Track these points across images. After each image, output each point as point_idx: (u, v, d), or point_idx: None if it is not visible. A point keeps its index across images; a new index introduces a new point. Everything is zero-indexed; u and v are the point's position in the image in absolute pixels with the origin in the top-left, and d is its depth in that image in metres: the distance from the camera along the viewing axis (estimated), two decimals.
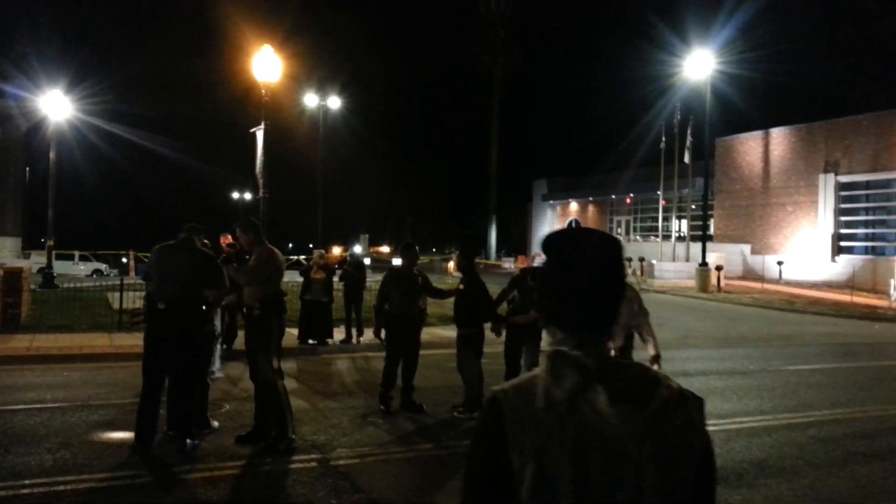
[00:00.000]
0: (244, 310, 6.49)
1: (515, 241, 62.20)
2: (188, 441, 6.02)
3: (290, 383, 9.09)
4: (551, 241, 1.46)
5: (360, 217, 71.85)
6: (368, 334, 12.72)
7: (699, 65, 27.87)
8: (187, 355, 6.18)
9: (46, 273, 20.23)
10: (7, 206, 46.29)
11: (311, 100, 35.26)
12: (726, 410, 8.26)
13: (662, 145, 35.91)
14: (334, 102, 35.98)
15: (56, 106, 20.25)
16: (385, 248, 69.61)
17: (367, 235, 34.60)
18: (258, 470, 5.66)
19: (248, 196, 63.69)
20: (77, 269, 32.97)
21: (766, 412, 8.23)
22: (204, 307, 6.33)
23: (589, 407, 1.28)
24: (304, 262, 21.76)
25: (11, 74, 32.64)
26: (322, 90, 36.07)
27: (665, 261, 33.70)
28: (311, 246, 32.43)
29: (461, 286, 7.72)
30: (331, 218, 54.55)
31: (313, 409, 7.73)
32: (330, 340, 12.30)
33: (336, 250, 34.16)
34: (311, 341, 12.12)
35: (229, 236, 11.91)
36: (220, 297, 6.53)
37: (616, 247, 1.44)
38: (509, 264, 42.24)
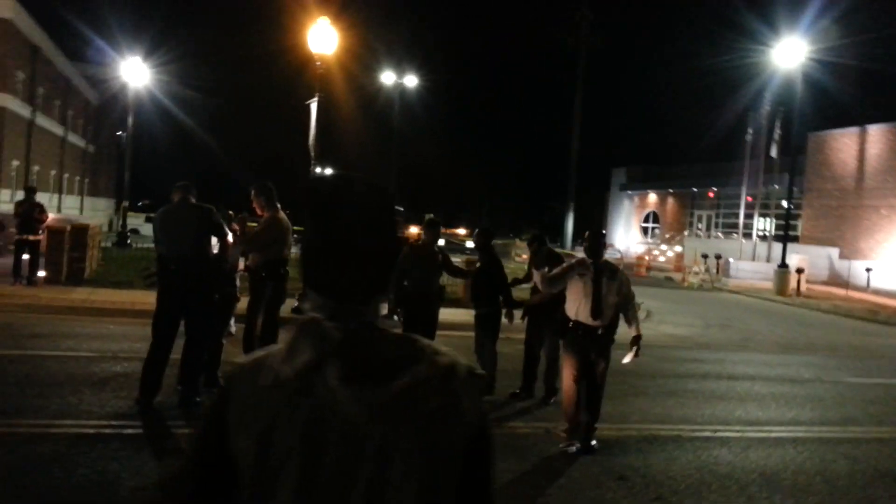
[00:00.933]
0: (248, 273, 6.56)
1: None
2: (195, 398, 6.12)
3: None
4: (307, 190, 1.25)
5: (436, 198, 72.25)
6: None
7: (790, 52, 26.20)
8: (201, 313, 6.28)
9: (120, 232, 21.25)
10: (101, 169, 49.01)
11: (387, 77, 35.43)
12: (758, 417, 7.76)
13: (748, 138, 34.17)
14: (411, 81, 36.05)
15: (135, 72, 21.16)
16: (461, 231, 69.72)
17: (431, 216, 34.46)
18: None
19: (328, 170, 64.95)
20: None
21: (801, 423, 7.68)
22: (217, 262, 6.41)
23: (323, 385, 1.10)
24: None
25: (96, 42, 34.33)
26: (400, 68, 36.24)
27: (744, 260, 32.22)
28: None
29: (478, 264, 7.56)
30: (405, 198, 55.15)
31: None
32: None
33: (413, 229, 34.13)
34: None
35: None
36: (225, 245, 6.48)
37: (383, 199, 1.24)
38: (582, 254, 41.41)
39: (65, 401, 6.08)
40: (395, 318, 7.67)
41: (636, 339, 5.97)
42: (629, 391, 8.43)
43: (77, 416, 5.72)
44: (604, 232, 6.42)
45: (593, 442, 5.92)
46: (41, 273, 13.05)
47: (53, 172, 36.41)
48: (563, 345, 6.13)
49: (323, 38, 12.60)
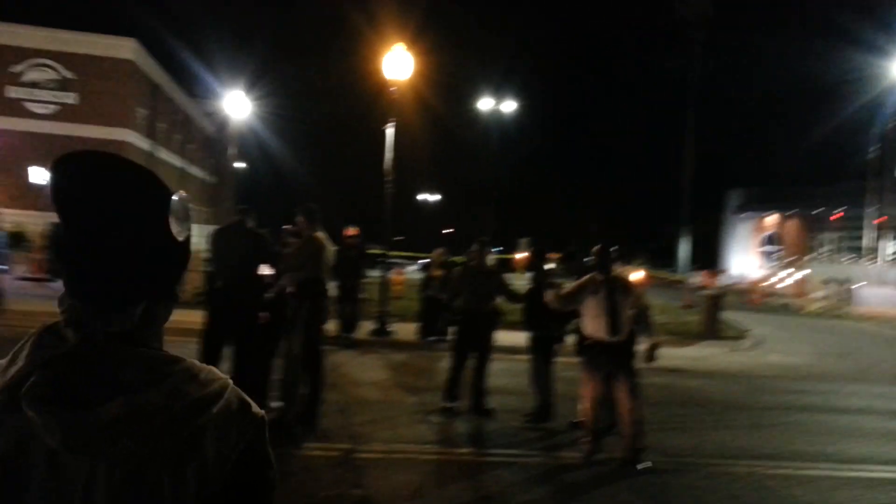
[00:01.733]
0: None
1: (708, 256, 58.34)
2: None
3: (382, 374, 9.09)
4: (52, 169, 1.01)
5: (538, 224, 71.49)
6: None
7: None
8: (246, 333, 6.29)
9: None
10: (221, 198, 51.94)
11: (484, 103, 35.52)
12: (856, 455, 6.88)
13: (871, 156, 31.60)
14: (509, 106, 35.95)
15: (238, 105, 22.34)
16: (555, 254, 68.31)
17: (526, 240, 34.14)
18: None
19: (433, 197, 65.82)
20: None
21: None
22: (263, 286, 6.43)
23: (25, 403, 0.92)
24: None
25: (209, 78, 36.52)
26: (498, 93, 36.26)
27: (872, 285, 29.59)
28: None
29: (531, 286, 7.20)
30: (508, 222, 54.81)
31: (380, 402, 7.58)
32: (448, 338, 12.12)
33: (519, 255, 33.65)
34: (430, 338, 12.01)
35: (351, 229, 12.25)
36: (275, 274, 6.53)
37: (145, 186, 1.01)
38: (698, 279, 39.48)
39: None
40: (447, 334, 7.54)
41: (653, 347, 6.00)
42: (710, 423, 7.77)
43: None
44: (614, 247, 6.18)
45: (640, 466, 5.68)
46: None
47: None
48: (582, 363, 6.03)
49: (398, 64, 12.69)
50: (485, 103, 35.86)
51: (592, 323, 5.80)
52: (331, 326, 11.50)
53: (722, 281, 39.66)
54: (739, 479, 5.85)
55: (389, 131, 12.75)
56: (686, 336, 15.66)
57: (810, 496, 5.52)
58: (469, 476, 5.39)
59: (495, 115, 36.08)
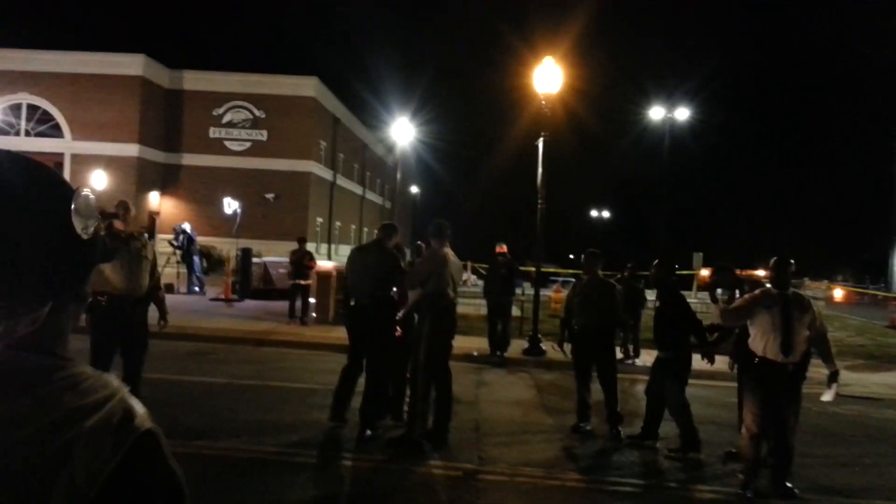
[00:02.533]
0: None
1: None
2: (366, 431, 6.27)
3: (526, 394, 8.92)
4: None
5: (724, 239, 67.14)
6: (646, 357, 11.86)
7: None
8: (377, 349, 6.47)
9: None
10: (399, 219, 54.25)
11: (655, 112, 34.11)
12: None
13: None
14: (682, 114, 34.24)
15: (404, 131, 23.27)
16: (760, 272, 63.80)
17: (700, 254, 31.99)
18: (391, 468, 5.62)
19: (605, 213, 64.22)
20: None
21: None
22: (394, 304, 6.59)
23: None
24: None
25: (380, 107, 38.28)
26: (670, 101, 34.68)
27: None
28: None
29: (657, 302, 6.72)
30: (686, 236, 51.93)
31: (517, 422, 7.41)
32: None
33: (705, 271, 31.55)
34: None
35: (504, 246, 12.23)
36: (403, 294, 6.65)
37: (42, 180, 0.98)
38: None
39: (253, 424, 6.61)
40: (563, 353, 7.28)
41: (833, 376, 5.41)
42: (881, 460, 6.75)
43: (256, 442, 6.16)
44: (792, 260, 5.47)
45: (789, 484, 5.29)
46: (313, 314, 14.66)
47: (353, 227, 41.33)
48: (746, 382, 5.59)
49: (548, 77, 12.54)
50: (656, 112, 34.48)
51: (763, 341, 5.29)
52: (480, 344, 11.62)
53: None
54: None
55: (540, 146, 12.60)
56: (887, 360, 13.85)
57: None
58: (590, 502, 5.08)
59: (669, 124, 34.49)
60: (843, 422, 8.42)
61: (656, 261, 7.06)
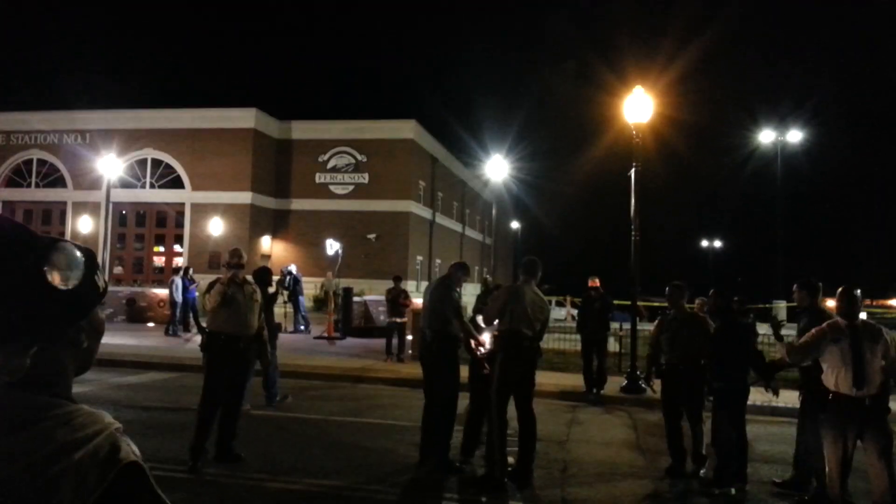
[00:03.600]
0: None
1: None
2: (425, 464, 6.38)
3: (621, 433, 8.64)
4: None
5: (852, 265, 62.72)
6: (755, 395, 11.23)
7: None
8: (436, 384, 6.59)
9: None
10: (499, 258, 54.43)
11: (766, 136, 32.70)
12: None
13: None
14: (795, 136, 32.64)
15: (498, 168, 23.47)
16: (894, 301, 58.97)
17: (820, 284, 29.88)
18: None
19: (717, 244, 61.68)
20: None
21: None
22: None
23: None
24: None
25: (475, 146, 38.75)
26: (780, 125, 33.17)
27: None
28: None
29: (716, 331, 6.43)
30: (802, 267, 48.92)
31: (607, 462, 7.19)
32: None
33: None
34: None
35: (597, 280, 12.01)
36: (458, 329, 6.67)
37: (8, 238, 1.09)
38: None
39: (339, 460, 6.75)
40: (651, 389, 7.04)
41: None
42: None
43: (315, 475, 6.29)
44: (857, 289, 5.20)
45: None
46: (409, 350, 14.88)
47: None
48: (823, 421, 5.30)
49: (638, 107, 12.37)
50: (766, 135, 33.05)
51: (833, 374, 5.11)
52: (576, 381, 11.36)
53: None
54: None
55: (633, 176, 12.38)
56: None
57: None
58: None
59: (782, 149, 32.93)
60: None
61: (712, 290, 6.84)
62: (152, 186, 32.86)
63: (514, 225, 61.08)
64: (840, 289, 5.31)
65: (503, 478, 6.05)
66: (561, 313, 33.01)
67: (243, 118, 32.03)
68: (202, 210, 31.71)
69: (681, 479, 6.52)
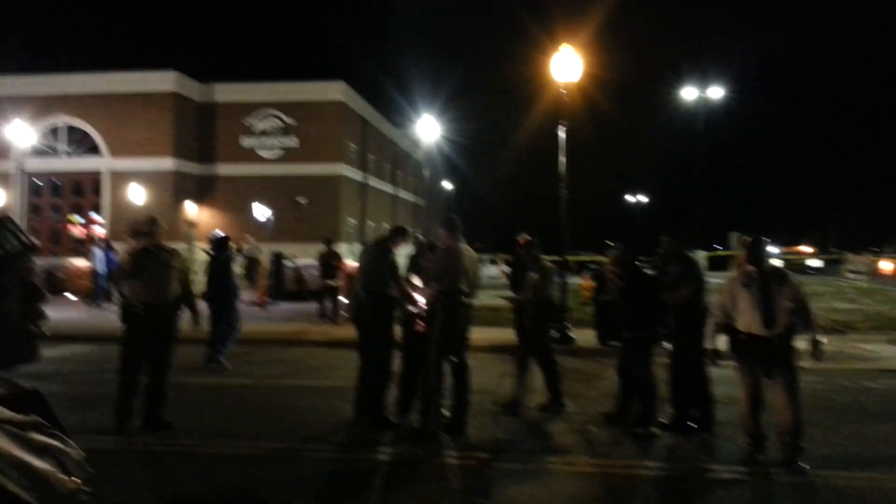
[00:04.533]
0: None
1: None
2: (359, 422, 6.49)
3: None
4: None
5: (768, 213, 65.67)
6: None
7: None
8: (370, 343, 6.64)
9: None
10: (432, 220, 54.50)
11: (688, 92, 33.52)
12: None
13: None
14: (715, 92, 33.55)
15: (429, 128, 23.35)
16: (805, 248, 62.09)
17: (737, 234, 31.29)
18: (407, 459, 5.69)
19: (642, 198, 63.42)
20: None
21: None
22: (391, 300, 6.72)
23: None
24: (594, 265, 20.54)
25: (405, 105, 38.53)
26: (703, 81, 34.02)
27: None
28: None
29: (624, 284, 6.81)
30: (722, 218, 50.89)
31: (537, 410, 7.41)
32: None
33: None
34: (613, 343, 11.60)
35: (526, 237, 12.20)
36: (395, 290, 6.70)
37: None
38: None
39: (275, 421, 6.75)
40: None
41: (815, 343, 5.46)
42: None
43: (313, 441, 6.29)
44: (764, 237, 5.69)
45: (803, 464, 5.32)
46: (343, 313, 14.84)
47: (387, 226, 41.58)
48: (736, 360, 5.66)
49: (567, 65, 12.46)
50: (688, 92, 33.85)
51: (745, 317, 5.48)
52: (508, 335, 11.57)
53: None
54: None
55: (561, 135, 12.54)
56: None
57: None
58: (605, 488, 5.07)
59: (704, 105, 33.84)
60: (875, 396, 8.22)
61: (616, 245, 7.12)
62: (68, 155, 31.32)
63: (447, 185, 61.15)
64: (747, 239, 5.75)
65: (438, 430, 6.17)
66: (494, 271, 33.43)
67: (162, 81, 30.69)
68: (122, 178, 30.45)
69: (610, 423, 6.77)
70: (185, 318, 6.85)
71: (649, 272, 7.08)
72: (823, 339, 5.54)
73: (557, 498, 4.96)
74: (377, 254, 6.70)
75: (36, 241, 1.12)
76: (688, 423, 6.43)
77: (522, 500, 4.89)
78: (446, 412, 6.43)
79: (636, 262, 6.98)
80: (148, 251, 6.41)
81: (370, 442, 6.15)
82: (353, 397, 6.65)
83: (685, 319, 6.42)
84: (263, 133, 32.61)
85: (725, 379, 6.71)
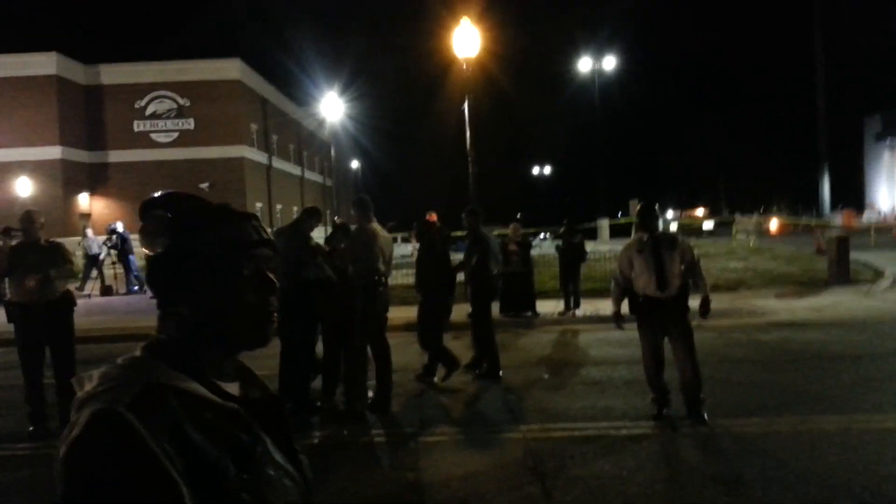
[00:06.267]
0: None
1: (854, 192, 53.45)
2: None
3: (465, 356, 9.11)
4: None
5: (664, 180, 68.64)
6: (586, 307, 12.24)
7: None
8: (291, 328, 6.64)
9: None
10: (341, 199, 53.94)
11: (584, 64, 34.51)
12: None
13: None
14: (609, 63, 34.70)
15: (333, 107, 23.06)
16: (699, 212, 65.44)
17: (636, 201, 32.83)
18: (334, 441, 5.78)
19: (546, 170, 64.94)
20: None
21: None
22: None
23: None
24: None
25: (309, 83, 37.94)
26: (597, 52, 35.08)
27: None
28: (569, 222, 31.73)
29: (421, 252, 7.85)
30: (622, 186, 52.90)
31: (459, 382, 7.63)
32: (530, 313, 12.00)
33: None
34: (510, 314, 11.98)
35: (434, 214, 12.37)
36: (313, 273, 6.73)
37: None
38: (838, 220, 36.36)
39: None
40: (527, 313, 7.44)
41: (704, 302, 5.89)
42: (805, 379, 7.20)
43: None
44: (655, 203, 6.12)
45: (706, 415, 5.78)
46: None
47: (295, 208, 40.85)
48: (636, 320, 6.05)
49: (466, 39, 12.61)
50: (584, 63, 34.85)
51: (641, 280, 5.87)
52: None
53: (867, 219, 36.41)
54: (789, 436, 5.40)
55: (466, 109, 12.73)
56: (813, 285, 14.55)
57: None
58: (527, 452, 5.33)
59: (599, 76, 34.93)
60: (766, 348, 8.91)
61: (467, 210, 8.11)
62: None
63: (354, 164, 60.54)
64: (639, 205, 6.09)
65: (364, 409, 6.27)
66: (407, 249, 33.39)
67: (43, 63, 28.82)
68: (5, 169, 28.52)
69: (522, 389, 7.06)
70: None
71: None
72: (710, 298, 5.94)
73: (482, 463, 5.18)
74: (293, 236, 6.65)
75: (271, 238, 1.22)
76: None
77: (450, 468, 5.07)
78: (370, 392, 6.54)
79: (428, 235, 7.77)
80: (21, 250, 6.15)
81: (298, 426, 6.17)
82: (278, 384, 6.63)
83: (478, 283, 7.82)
84: (156, 115, 31.28)
85: (629, 341, 7.12)
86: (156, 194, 1.18)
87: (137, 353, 1.08)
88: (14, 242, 6.26)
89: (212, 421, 1.01)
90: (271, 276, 1.17)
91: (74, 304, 6.43)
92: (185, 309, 1.11)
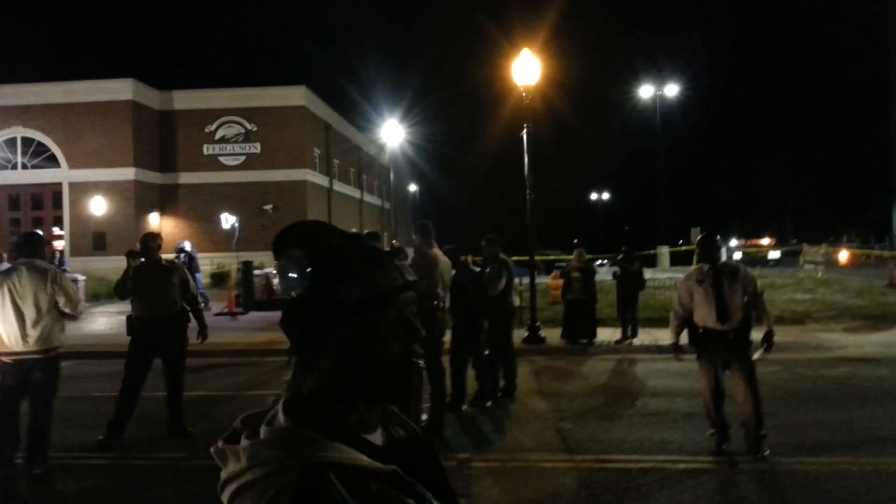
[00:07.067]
0: None
1: None
2: None
3: (527, 381, 9.08)
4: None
5: (727, 209, 67.13)
6: (643, 336, 12.06)
7: None
8: None
9: None
10: (399, 222, 54.62)
11: (645, 91, 34.20)
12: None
13: None
14: (672, 90, 34.30)
15: (393, 133, 23.50)
16: (765, 241, 63.63)
17: (698, 229, 32.08)
18: None
19: (605, 196, 64.29)
20: None
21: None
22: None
23: None
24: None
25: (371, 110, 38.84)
26: (659, 78, 34.75)
27: None
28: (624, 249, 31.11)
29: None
30: (684, 213, 51.84)
31: (515, 408, 7.62)
32: (586, 340, 11.88)
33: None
34: (582, 340, 11.89)
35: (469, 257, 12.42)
36: None
37: None
38: None
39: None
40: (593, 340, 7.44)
41: (767, 336, 5.71)
42: (867, 420, 6.91)
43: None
44: (717, 234, 6.05)
45: (766, 452, 5.62)
46: None
47: (354, 230, 41.50)
48: (696, 352, 5.96)
49: (527, 69, 12.71)
50: (645, 91, 34.55)
51: (701, 312, 5.77)
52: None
53: None
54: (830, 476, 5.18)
55: (525, 137, 12.78)
56: (884, 319, 13.97)
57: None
58: (580, 483, 5.28)
59: (661, 102, 34.55)
60: (832, 384, 8.59)
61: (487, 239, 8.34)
62: (24, 167, 30.68)
63: (413, 188, 61.24)
64: (699, 237, 6.04)
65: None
66: None
67: (120, 89, 30.27)
68: (82, 189, 29.96)
69: (584, 419, 6.98)
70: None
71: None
72: (774, 332, 5.78)
73: (535, 492, 5.15)
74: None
75: (414, 278, 1.11)
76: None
77: (501, 496, 5.07)
78: (424, 415, 6.60)
79: (462, 261, 7.68)
80: (141, 269, 6.65)
81: None
82: None
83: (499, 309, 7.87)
84: (224, 140, 32.37)
85: (689, 372, 6.99)
86: (290, 227, 1.09)
87: (280, 417, 0.98)
88: (136, 263, 6.70)
89: (376, 493, 0.92)
90: (415, 321, 1.07)
91: (189, 319, 6.85)
92: (326, 360, 1.02)
